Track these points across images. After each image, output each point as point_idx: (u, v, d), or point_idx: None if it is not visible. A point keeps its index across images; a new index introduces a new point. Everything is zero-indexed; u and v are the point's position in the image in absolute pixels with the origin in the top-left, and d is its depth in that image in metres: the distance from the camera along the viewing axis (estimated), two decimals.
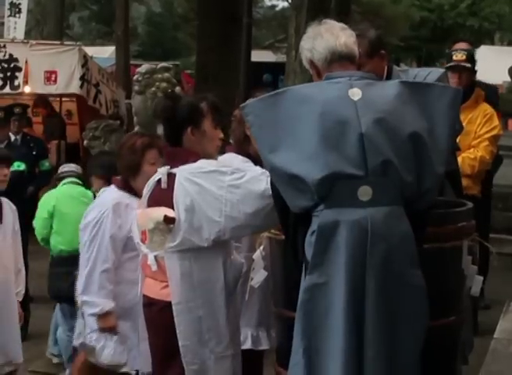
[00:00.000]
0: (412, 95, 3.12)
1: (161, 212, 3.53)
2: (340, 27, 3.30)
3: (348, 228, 2.98)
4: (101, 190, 4.51)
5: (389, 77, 3.96)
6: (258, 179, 3.44)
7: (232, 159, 3.70)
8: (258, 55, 20.63)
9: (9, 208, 4.84)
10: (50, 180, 9.11)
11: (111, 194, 4.26)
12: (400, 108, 3.07)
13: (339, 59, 3.24)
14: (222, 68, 11.91)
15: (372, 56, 3.92)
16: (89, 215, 4.28)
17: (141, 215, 3.69)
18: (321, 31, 3.28)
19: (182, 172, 3.54)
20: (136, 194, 4.06)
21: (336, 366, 2.98)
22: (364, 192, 2.99)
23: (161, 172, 3.64)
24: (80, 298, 4.25)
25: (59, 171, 6.37)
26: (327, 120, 3.03)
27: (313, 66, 3.32)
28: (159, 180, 3.65)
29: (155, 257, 3.59)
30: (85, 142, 8.20)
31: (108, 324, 4.19)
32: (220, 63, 11.95)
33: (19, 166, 6.88)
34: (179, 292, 3.51)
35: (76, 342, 4.51)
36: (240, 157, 4.13)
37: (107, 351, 4.22)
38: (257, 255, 4.25)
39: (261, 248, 4.22)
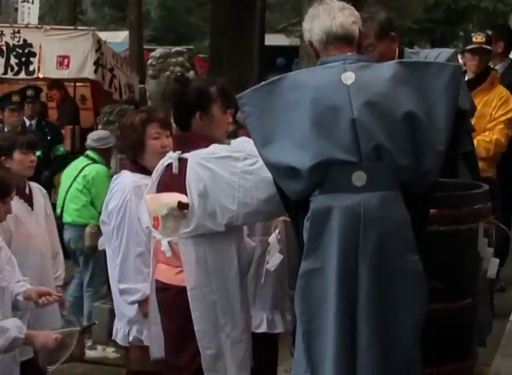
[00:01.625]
0: (409, 75, 3.06)
1: (175, 197, 3.50)
2: (339, 7, 3.21)
3: (341, 214, 2.96)
4: (114, 177, 4.42)
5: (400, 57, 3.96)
6: None
7: (244, 144, 3.70)
8: (272, 39, 20.58)
9: (40, 192, 4.82)
10: (65, 164, 9.15)
11: (127, 178, 4.16)
12: (395, 89, 3.02)
13: (334, 41, 3.17)
14: (235, 52, 11.89)
15: (382, 38, 3.92)
16: (110, 203, 4.16)
17: (152, 200, 3.65)
18: (320, 12, 3.21)
19: (194, 157, 3.53)
20: (150, 172, 3.99)
21: (330, 352, 2.98)
22: (358, 178, 2.97)
23: (172, 157, 3.62)
24: (118, 287, 4.12)
25: None
26: (319, 106, 3.00)
27: (312, 47, 3.27)
28: (169, 165, 3.63)
29: (169, 243, 3.59)
30: (99, 127, 8.20)
31: (147, 310, 3.97)
32: (233, 47, 11.93)
33: None
34: (194, 277, 3.52)
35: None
36: (252, 141, 4.11)
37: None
38: (273, 238, 4.25)
39: (277, 231, 4.23)
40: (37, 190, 4.80)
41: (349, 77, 3.03)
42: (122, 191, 4.11)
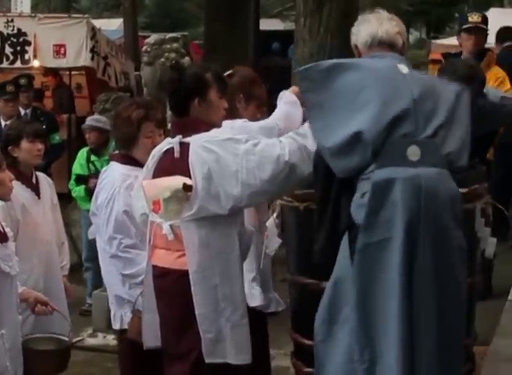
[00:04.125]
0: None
1: (179, 180, 3.51)
2: (388, 17, 3.48)
3: (403, 184, 3.06)
4: (103, 169, 4.39)
5: None
6: (272, 145, 3.45)
7: (243, 124, 3.70)
8: (267, 24, 20.50)
9: (46, 182, 4.84)
10: (61, 153, 9.13)
11: (116, 170, 4.13)
12: (440, 89, 3.30)
13: (378, 44, 3.40)
14: (230, 37, 11.85)
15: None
16: (99, 196, 4.14)
17: (150, 185, 3.65)
18: (369, 18, 3.48)
19: (197, 140, 3.53)
20: (140, 164, 3.97)
21: (393, 325, 3.04)
22: (413, 152, 3.11)
23: (173, 142, 3.62)
24: (122, 273, 4.12)
25: None
26: (382, 84, 3.20)
27: (356, 49, 3.49)
28: (167, 151, 3.63)
29: (171, 226, 3.59)
30: (95, 115, 8.19)
31: None
32: (228, 33, 11.89)
33: None
34: (197, 261, 3.52)
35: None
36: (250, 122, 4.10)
37: None
38: (271, 222, 4.27)
39: (275, 215, 4.24)
40: (43, 179, 4.82)
41: (403, 68, 3.29)
42: (112, 183, 4.10)
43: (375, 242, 3.08)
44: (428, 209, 3.06)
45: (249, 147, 3.46)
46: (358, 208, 3.14)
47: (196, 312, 3.52)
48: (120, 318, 4.12)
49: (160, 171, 3.66)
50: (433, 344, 3.07)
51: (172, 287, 3.63)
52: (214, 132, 3.57)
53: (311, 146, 3.37)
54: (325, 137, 3.25)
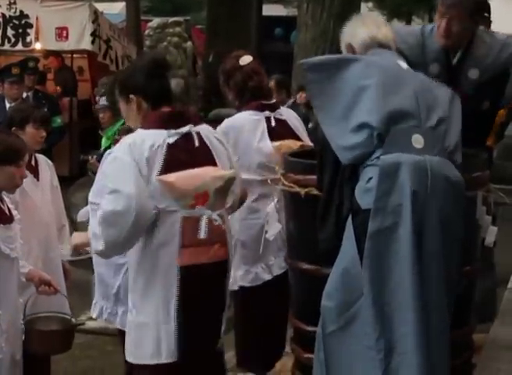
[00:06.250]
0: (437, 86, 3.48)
1: (225, 168, 3.45)
2: (383, 21, 3.63)
3: (410, 168, 3.11)
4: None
5: (471, 40, 3.97)
6: None
7: None
8: (269, 9, 20.47)
9: (46, 164, 4.82)
10: (62, 136, 9.13)
11: None
12: (435, 88, 3.43)
13: (376, 46, 3.51)
14: (232, 22, 11.84)
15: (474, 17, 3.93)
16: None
17: (185, 179, 3.34)
18: (366, 20, 3.62)
19: (207, 128, 3.54)
20: None
21: (409, 311, 3.08)
22: (417, 140, 3.18)
23: (190, 129, 3.43)
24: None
25: None
26: (385, 76, 3.30)
27: (350, 48, 3.56)
28: (174, 143, 3.38)
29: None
30: (97, 98, 8.16)
31: None
32: (231, 17, 11.88)
33: None
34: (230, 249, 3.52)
35: None
36: None
37: None
38: (272, 208, 4.27)
39: (275, 200, 4.24)
40: (43, 161, 4.81)
41: (402, 64, 3.43)
42: None
43: (386, 227, 3.11)
44: (434, 193, 3.11)
45: None
46: (364, 193, 3.16)
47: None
48: (100, 309, 4.12)
49: (178, 164, 3.37)
50: (444, 329, 3.15)
51: (216, 280, 3.48)
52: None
53: None
54: (330, 126, 3.31)
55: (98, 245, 3.31)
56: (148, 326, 3.37)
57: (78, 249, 3.89)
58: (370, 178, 3.15)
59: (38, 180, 4.69)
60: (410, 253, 3.08)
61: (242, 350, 4.62)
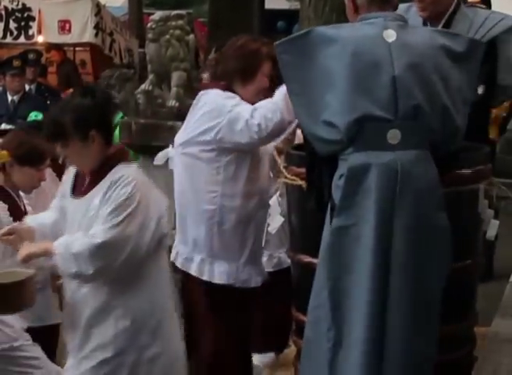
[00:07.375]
0: (444, 41, 3.17)
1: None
2: None
3: (379, 170, 3.02)
4: None
5: (454, 13, 3.84)
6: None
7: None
8: (272, 2, 20.40)
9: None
10: None
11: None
12: (433, 52, 3.12)
13: (380, 2, 3.24)
14: (235, 15, 11.81)
15: None
16: None
17: None
18: None
19: None
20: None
21: (361, 310, 3.03)
22: (393, 135, 3.04)
23: None
24: None
25: None
26: (359, 61, 3.05)
27: (352, 2, 3.30)
28: None
29: None
30: None
31: None
32: (233, 11, 11.85)
33: (36, 115, 6.85)
34: None
35: None
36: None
37: None
38: (274, 200, 4.26)
39: (278, 193, 4.24)
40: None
41: (390, 35, 3.11)
42: None
43: (347, 226, 3.06)
44: (405, 195, 3.02)
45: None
46: (336, 188, 3.11)
47: None
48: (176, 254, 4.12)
49: None
50: (405, 329, 3.06)
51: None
52: None
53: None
54: (303, 117, 3.21)
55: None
56: None
57: (27, 261, 3.44)
58: (342, 175, 3.08)
59: (60, 179, 4.68)
60: (371, 252, 3.01)
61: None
